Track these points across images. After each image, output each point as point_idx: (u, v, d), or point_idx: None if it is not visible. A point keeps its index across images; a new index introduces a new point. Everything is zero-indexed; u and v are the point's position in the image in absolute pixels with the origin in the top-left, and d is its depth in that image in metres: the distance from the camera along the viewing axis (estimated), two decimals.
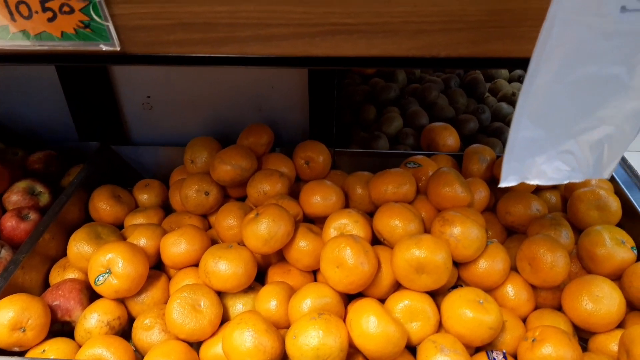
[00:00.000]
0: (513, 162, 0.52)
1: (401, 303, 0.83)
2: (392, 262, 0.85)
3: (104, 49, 0.53)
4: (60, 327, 0.92)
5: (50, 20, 0.52)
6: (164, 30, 0.53)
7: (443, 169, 1.03)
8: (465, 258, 0.87)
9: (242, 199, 1.18)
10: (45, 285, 1.00)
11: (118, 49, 0.54)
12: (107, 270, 0.89)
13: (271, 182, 1.06)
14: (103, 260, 0.89)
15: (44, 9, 0.51)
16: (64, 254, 1.06)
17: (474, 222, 0.88)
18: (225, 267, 0.89)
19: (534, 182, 0.54)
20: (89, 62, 0.57)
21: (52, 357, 0.83)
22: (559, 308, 0.91)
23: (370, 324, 0.75)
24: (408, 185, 1.01)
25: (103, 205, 1.13)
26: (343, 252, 0.83)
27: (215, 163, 1.08)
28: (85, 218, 1.15)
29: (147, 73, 1.21)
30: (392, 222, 0.89)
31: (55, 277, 0.99)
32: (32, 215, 1.04)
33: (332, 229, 0.93)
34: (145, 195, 1.22)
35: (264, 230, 0.90)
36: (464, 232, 0.86)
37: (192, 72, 1.21)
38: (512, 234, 1.05)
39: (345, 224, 0.92)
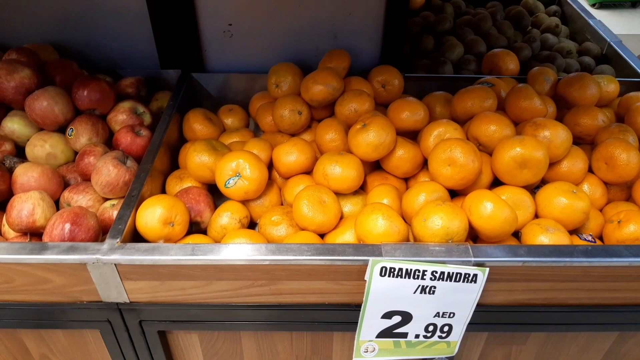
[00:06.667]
0: None
1: (504, 195, 0.96)
2: (495, 160, 0.97)
3: None
4: (190, 228, 1.01)
5: None
6: None
7: (520, 85, 1.13)
8: (554, 157, 0.99)
9: None
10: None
11: None
12: (237, 174, 0.98)
13: (360, 100, 1.15)
14: (232, 166, 0.98)
15: None
16: (170, 168, 1.15)
17: (562, 126, 0.99)
18: (341, 170, 0.99)
19: None
20: None
21: None
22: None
23: (488, 208, 0.87)
24: (492, 100, 1.11)
25: (198, 126, 1.21)
26: (455, 151, 0.94)
27: (308, 83, 1.16)
28: (180, 138, 1.23)
29: (230, 0, 1.26)
30: (490, 128, 1.00)
31: (173, 186, 1.08)
32: (144, 132, 1.11)
33: (432, 137, 1.04)
34: (230, 119, 1.30)
35: (374, 137, 1.00)
36: (555, 133, 0.98)
37: (272, 0, 1.26)
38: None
39: (445, 132, 1.03)
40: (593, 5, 4.61)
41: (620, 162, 0.99)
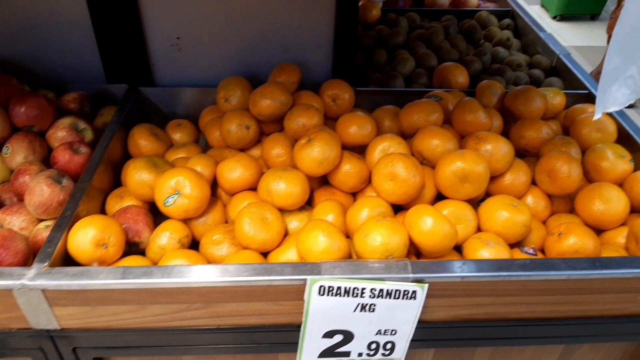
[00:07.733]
0: (600, 94, 0.62)
1: (446, 210, 0.95)
2: (437, 175, 0.96)
3: None
4: (128, 249, 0.98)
5: None
6: None
7: (466, 99, 1.14)
8: (496, 171, 1.00)
9: None
10: (102, 214, 1.05)
11: None
12: (176, 192, 0.95)
13: (308, 115, 1.14)
14: (171, 184, 0.95)
15: None
16: (113, 186, 1.11)
17: (504, 140, 1.00)
18: (285, 186, 0.98)
19: (611, 109, 0.64)
20: None
21: None
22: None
23: (428, 223, 0.87)
24: (437, 114, 1.12)
25: (143, 142, 1.18)
26: (397, 166, 0.93)
27: (256, 98, 1.14)
28: (124, 154, 1.20)
29: (177, 13, 1.24)
30: (433, 142, 1.00)
31: (113, 205, 1.04)
32: (83, 149, 1.07)
33: (376, 152, 1.03)
34: (178, 134, 1.27)
35: (318, 153, 0.99)
36: (496, 147, 0.99)
37: (221, 13, 1.25)
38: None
39: (389, 146, 1.02)
40: (554, 17, 4.73)
41: (561, 174, 1.00)
